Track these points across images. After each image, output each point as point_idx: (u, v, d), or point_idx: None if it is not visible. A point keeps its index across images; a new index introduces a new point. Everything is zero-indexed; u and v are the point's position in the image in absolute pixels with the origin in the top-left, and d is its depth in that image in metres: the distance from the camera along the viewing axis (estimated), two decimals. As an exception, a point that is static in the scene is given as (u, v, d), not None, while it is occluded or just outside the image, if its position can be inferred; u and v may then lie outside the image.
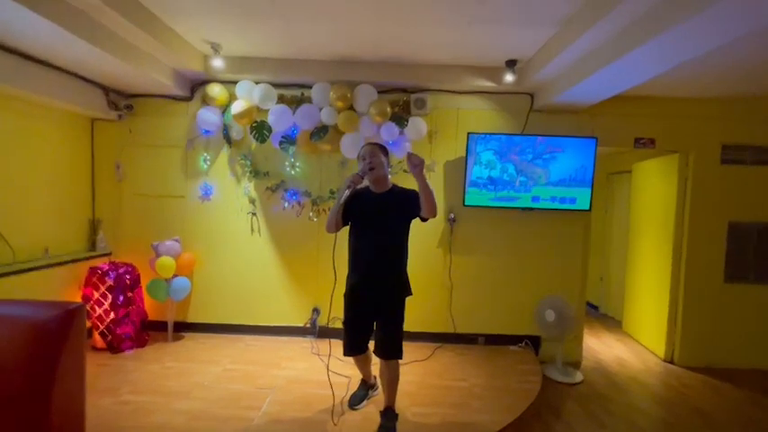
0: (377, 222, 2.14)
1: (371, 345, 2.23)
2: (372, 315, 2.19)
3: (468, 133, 3.25)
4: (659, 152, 3.68)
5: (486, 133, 3.27)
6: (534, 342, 3.47)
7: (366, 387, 2.48)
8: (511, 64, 2.99)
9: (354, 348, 2.26)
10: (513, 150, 3.22)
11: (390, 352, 2.14)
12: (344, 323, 2.26)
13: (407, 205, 2.13)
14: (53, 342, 1.50)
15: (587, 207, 3.30)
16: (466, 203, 3.30)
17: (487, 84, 3.19)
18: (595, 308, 5.23)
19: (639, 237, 4.17)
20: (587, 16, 2.20)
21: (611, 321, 4.77)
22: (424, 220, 2.12)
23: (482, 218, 3.41)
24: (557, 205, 3.28)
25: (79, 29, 2.18)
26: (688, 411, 2.79)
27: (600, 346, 3.97)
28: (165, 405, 2.33)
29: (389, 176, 2.27)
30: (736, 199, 3.43)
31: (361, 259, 2.18)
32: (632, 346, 4.01)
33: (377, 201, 2.18)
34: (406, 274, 2.24)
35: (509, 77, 3.02)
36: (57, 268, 2.95)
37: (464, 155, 3.29)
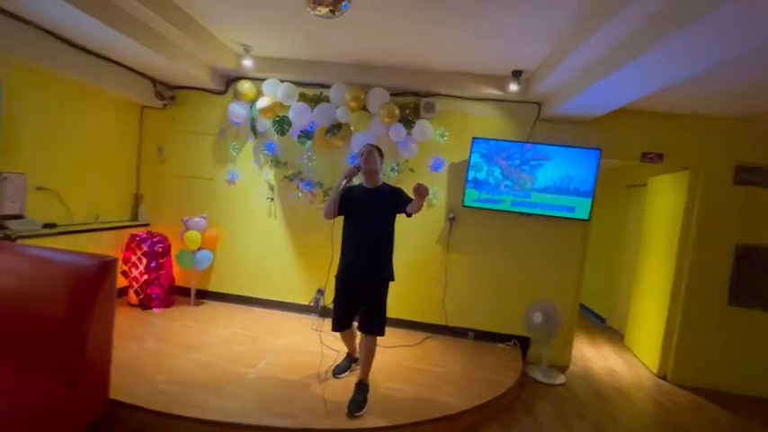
0: (365, 214, 2.42)
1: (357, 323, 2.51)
2: (357, 296, 2.45)
3: (473, 138, 3.43)
4: (672, 168, 3.65)
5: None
6: (524, 343, 3.60)
7: (350, 360, 2.77)
8: (517, 74, 3.13)
9: (340, 325, 2.55)
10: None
11: (370, 328, 2.40)
12: (333, 302, 2.56)
13: (393, 201, 2.44)
14: (91, 284, 1.90)
15: (587, 217, 3.37)
16: (465, 204, 3.48)
17: (494, 92, 3.34)
18: (602, 320, 5.20)
19: (648, 252, 4.14)
20: (584, 30, 2.32)
21: (616, 334, 4.75)
22: (408, 215, 2.40)
23: (481, 219, 3.58)
24: (555, 213, 3.38)
25: (132, 31, 2.62)
26: (665, 426, 2.83)
27: (595, 356, 4.01)
28: (179, 354, 2.74)
29: (381, 174, 2.54)
30: (747, 221, 3.35)
31: (350, 246, 2.46)
32: (629, 359, 4.01)
33: (367, 195, 2.46)
34: (391, 260, 2.49)
35: (514, 87, 3.16)
36: (104, 232, 3.47)
37: (467, 158, 3.46)
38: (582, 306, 5.11)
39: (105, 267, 1.95)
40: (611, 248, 5.19)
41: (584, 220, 3.39)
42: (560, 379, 3.30)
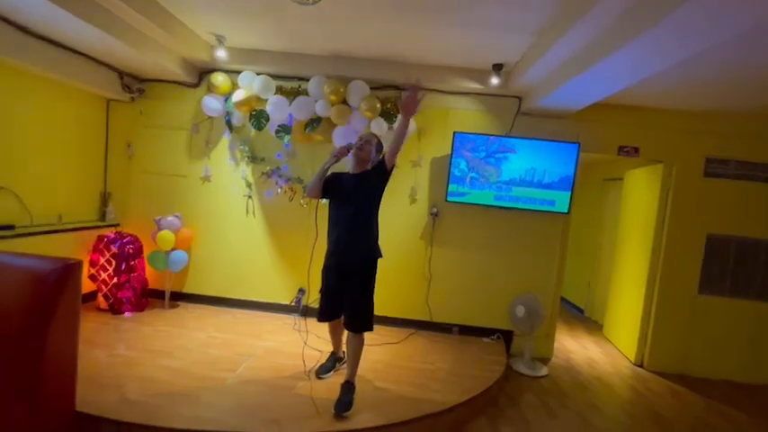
0: (349, 200, 2.33)
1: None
2: (344, 286, 2.35)
3: (454, 132, 3.40)
4: (646, 161, 3.74)
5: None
6: (507, 336, 3.62)
7: (334, 359, 2.70)
8: (497, 68, 3.11)
9: (326, 314, 2.46)
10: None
11: (358, 326, 2.33)
12: (320, 291, 2.49)
13: (379, 174, 2.33)
14: (51, 291, 1.75)
15: (566, 210, 3.40)
16: (447, 199, 3.46)
17: (475, 86, 3.32)
18: (581, 311, 5.32)
19: (624, 244, 4.24)
20: (560, 25, 2.32)
21: (594, 325, 4.86)
22: (395, 154, 2.29)
23: (464, 213, 3.56)
24: (536, 206, 3.40)
25: (95, 19, 2.44)
26: (644, 413, 2.90)
27: (575, 347, 4.09)
28: (152, 361, 2.60)
29: (370, 165, 2.43)
30: (717, 212, 3.48)
31: (334, 233, 2.38)
32: (608, 349, 4.11)
33: (353, 181, 2.37)
34: (376, 241, 2.39)
35: (495, 81, 3.15)
36: (68, 234, 3.25)
37: (450, 153, 3.43)
38: (562, 298, 5.20)
39: (68, 271, 1.81)
40: (590, 241, 5.30)
41: (563, 213, 3.43)
42: (543, 371, 3.33)
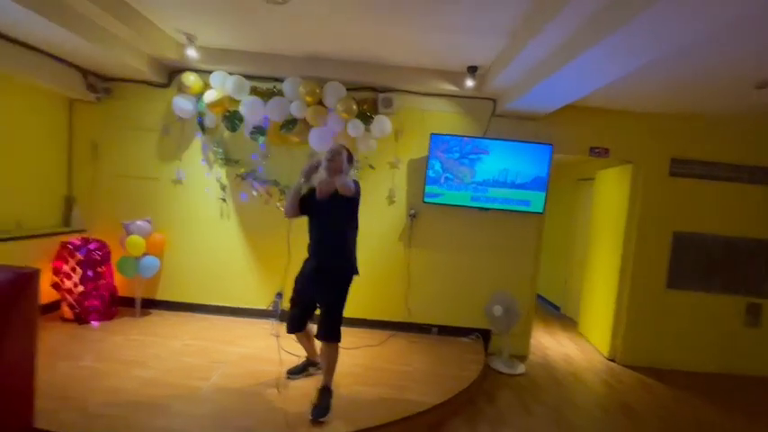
0: (324, 214, 2.34)
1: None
2: (314, 298, 2.38)
3: (432, 134, 3.42)
4: (616, 162, 3.86)
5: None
6: (486, 335, 3.66)
7: (307, 363, 2.68)
8: (472, 70, 3.15)
9: (293, 326, 2.48)
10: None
11: (328, 336, 2.30)
12: (291, 300, 2.49)
13: (344, 197, 2.29)
14: (4, 302, 1.65)
15: (541, 210, 3.47)
16: (425, 200, 3.47)
17: (451, 88, 3.35)
18: (557, 308, 5.44)
19: (597, 242, 4.36)
20: (531, 29, 2.35)
21: (570, 322, 4.98)
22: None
23: (441, 214, 3.58)
24: (512, 207, 3.45)
25: (52, 14, 2.32)
26: (615, 405, 2.99)
27: (552, 344, 4.17)
28: (121, 372, 2.49)
29: (345, 176, 2.39)
30: (682, 210, 3.62)
31: (311, 247, 2.41)
32: (582, 345, 4.21)
33: (327, 196, 2.32)
34: (353, 256, 2.38)
35: (470, 83, 3.18)
36: (28, 241, 3.08)
37: (427, 154, 3.45)
38: (538, 296, 5.32)
39: (23, 280, 1.71)
40: (564, 240, 5.44)
41: (538, 213, 3.50)
42: (521, 368, 3.38)
